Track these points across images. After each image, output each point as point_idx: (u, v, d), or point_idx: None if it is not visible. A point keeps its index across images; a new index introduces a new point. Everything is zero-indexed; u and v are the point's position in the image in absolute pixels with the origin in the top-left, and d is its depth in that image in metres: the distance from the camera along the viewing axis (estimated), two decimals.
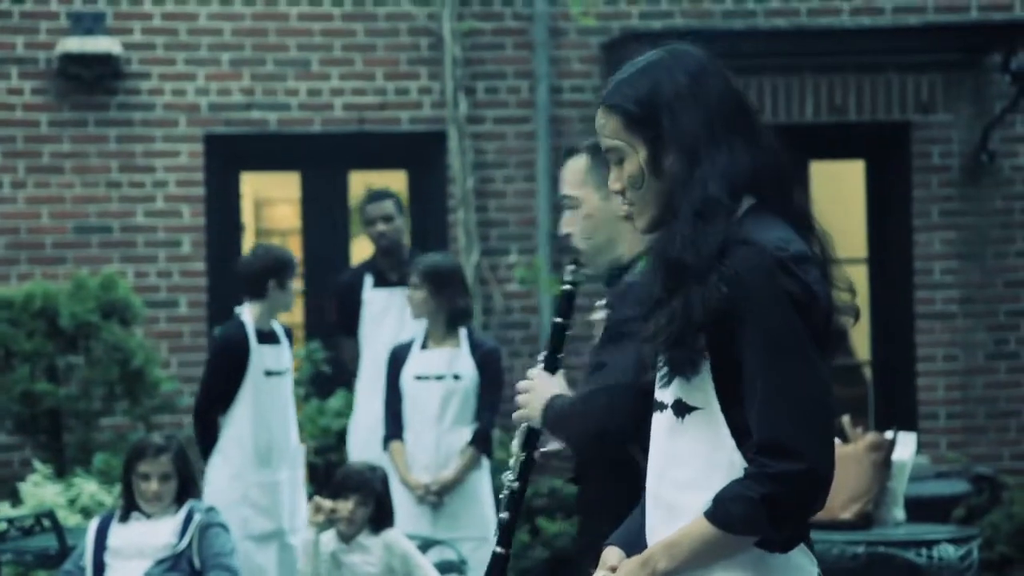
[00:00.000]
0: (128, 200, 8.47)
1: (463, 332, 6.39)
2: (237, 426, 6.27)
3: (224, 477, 6.24)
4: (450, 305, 6.30)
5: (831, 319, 2.50)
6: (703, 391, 2.48)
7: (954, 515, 8.03)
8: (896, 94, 8.81)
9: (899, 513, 6.05)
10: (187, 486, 5.44)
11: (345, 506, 5.29)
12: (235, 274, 6.62)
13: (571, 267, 3.29)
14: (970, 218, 8.84)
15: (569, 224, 3.38)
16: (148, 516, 5.38)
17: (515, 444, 3.28)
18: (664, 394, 2.55)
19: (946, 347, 8.81)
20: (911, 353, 8.83)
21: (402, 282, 7.07)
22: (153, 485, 5.35)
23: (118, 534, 5.37)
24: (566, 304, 3.33)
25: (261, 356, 6.33)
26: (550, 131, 8.67)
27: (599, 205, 3.29)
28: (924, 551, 5.87)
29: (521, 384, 3.28)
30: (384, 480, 5.44)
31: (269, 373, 6.34)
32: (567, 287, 3.30)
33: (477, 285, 8.45)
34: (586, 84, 8.74)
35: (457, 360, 6.33)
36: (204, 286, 8.51)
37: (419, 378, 6.33)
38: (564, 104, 8.74)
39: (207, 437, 6.29)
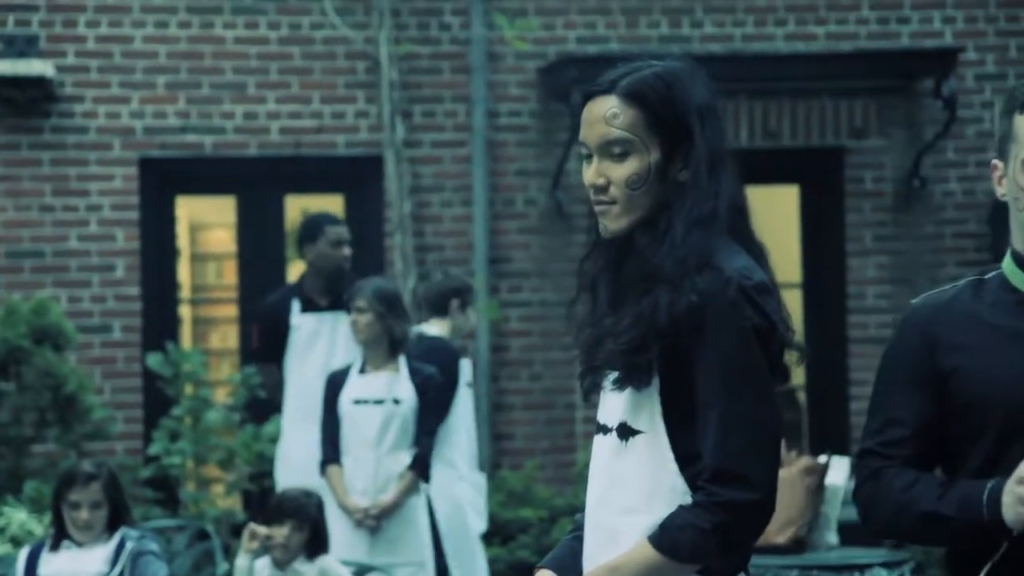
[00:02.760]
0: (61, 224, 8.40)
1: (402, 357, 6.39)
2: (456, 434, 6.70)
3: (451, 479, 6.66)
4: (394, 329, 6.31)
5: (784, 350, 2.52)
6: (648, 414, 2.47)
7: (886, 540, 8.08)
8: (830, 119, 8.89)
9: (832, 537, 6.08)
10: (119, 513, 5.39)
11: (280, 531, 5.26)
12: (421, 295, 7.20)
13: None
14: (903, 243, 8.93)
15: None
16: (79, 545, 5.33)
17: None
18: (608, 417, 2.53)
19: None
20: (844, 377, 8.90)
21: (333, 307, 7.04)
22: (83, 514, 5.30)
23: (49, 563, 5.31)
24: None
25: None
26: (487, 155, 8.68)
27: None
28: (857, 575, 5.91)
29: None
30: (319, 506, 5.42)
31: (468, 384, 6.88)
32: None
33: (414, 310, 8.43)
34: (523, 108, 8.77)
35: (397, 384, 6.32)
36: (138, 311, 8.44)
37: (358, 402, 6.31)
38: (501, 128, 8.75)
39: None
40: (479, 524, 6.83)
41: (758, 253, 2.54)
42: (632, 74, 2.54)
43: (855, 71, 8.87)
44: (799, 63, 8.80)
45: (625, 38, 8.82)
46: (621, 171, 2.50)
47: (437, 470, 6.56)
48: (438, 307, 6.83)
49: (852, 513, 7.54)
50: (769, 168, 8.98)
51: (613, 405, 2.52)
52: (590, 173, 2.54)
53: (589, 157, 2.55)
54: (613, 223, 2.53)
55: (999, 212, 8.88)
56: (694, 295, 2.42)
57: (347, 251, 7.19)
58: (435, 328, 6.81)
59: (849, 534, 6.49)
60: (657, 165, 2.50)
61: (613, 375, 2.50)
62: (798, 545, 5.95)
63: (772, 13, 8.92)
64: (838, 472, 6.14)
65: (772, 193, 9.08)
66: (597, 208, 2.54)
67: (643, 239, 2.51)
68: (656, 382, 2.46)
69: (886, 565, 6.01)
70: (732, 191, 2.51)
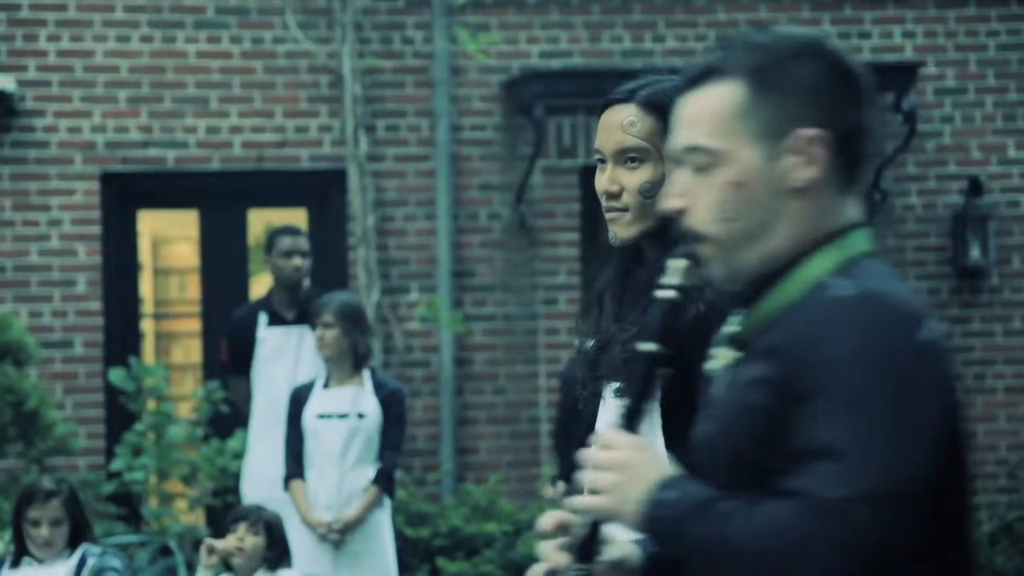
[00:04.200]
0: (22, 239, 8.36)
1: (366, 372, 6.39)
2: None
3: None
4: (359, 344, 6.32)
5: None
6: (648, 425, 2.44)
7: None
8: None
9: None
10: (80, 530, 5.35)
11: (235, 536, 5.23)
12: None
13: (682, 263, 2.00)
14: None
15: (685, 193, 1.96)
16: (40, 561, 5.29)
17: (555, 544, 2.00)
18: (607, 427, 2.54)
19: None
20: None
21: (299, 320, 7.03)
22: (43, 531, 5.26)
23: None
24: (665, 322, 2.01)
25: None
26: (451, 169, 8.68)
27: (760, 167, 1.90)
28: None
29: (599, 456, 1.95)
30: (277, 515, 5.40)
31: None
32: (669, 293, 2.01)
33: (378, 323, 8.43)
34: (487, 122, 8.77)
35: (361, 399, 6.31)
36: (100, 326, 8.40)
37: (322, 416, 6.31)
38: (464, 142, 8.76)
39: None
40: None
41: None
42: (652, 85, 2.57)
43: None
44: None
45: (588, 52, 8.84)
46: (635, 178, 2.53)
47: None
48: None
49: None
50: None
51: (613, 415, 2.53)
52: (603, 179, 2.56)
53: (603, 164, 2.58)
54: (623, 231, 2.55)
55: (960, 225, 8.95)
56: (701, 305, 2.43)
57: (297, 262, 7.13)
58: None
59: None
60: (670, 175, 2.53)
61: (615, 384, 2.50)
62: None
63: (735, 27, 8.96)
64: None
65: None
66: (608, 215, 2.56)
67: (652, 249, 2.53)
68: (658, 393, 2.46)
69: None
70: None
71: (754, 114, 1.87)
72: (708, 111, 1.90)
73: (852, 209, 1.91)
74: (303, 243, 7.21)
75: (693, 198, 1.91)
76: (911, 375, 1.76)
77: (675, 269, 1.98)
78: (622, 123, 2.55)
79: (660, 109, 2.53)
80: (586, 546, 1.98)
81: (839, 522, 1.72)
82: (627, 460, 1.90)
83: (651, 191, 2.52)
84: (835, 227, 1.89)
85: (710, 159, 1.90)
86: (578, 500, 1.94)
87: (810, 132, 1.85)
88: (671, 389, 2.46)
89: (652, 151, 2.53)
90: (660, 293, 1.99)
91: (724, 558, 1.80)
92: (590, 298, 2.62)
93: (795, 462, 1.78)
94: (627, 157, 2.54)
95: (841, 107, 1.86)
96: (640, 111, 2.55)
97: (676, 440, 2.47)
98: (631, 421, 1.99)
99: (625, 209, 2.54)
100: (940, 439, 1.78)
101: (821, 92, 1.86)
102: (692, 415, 2.45)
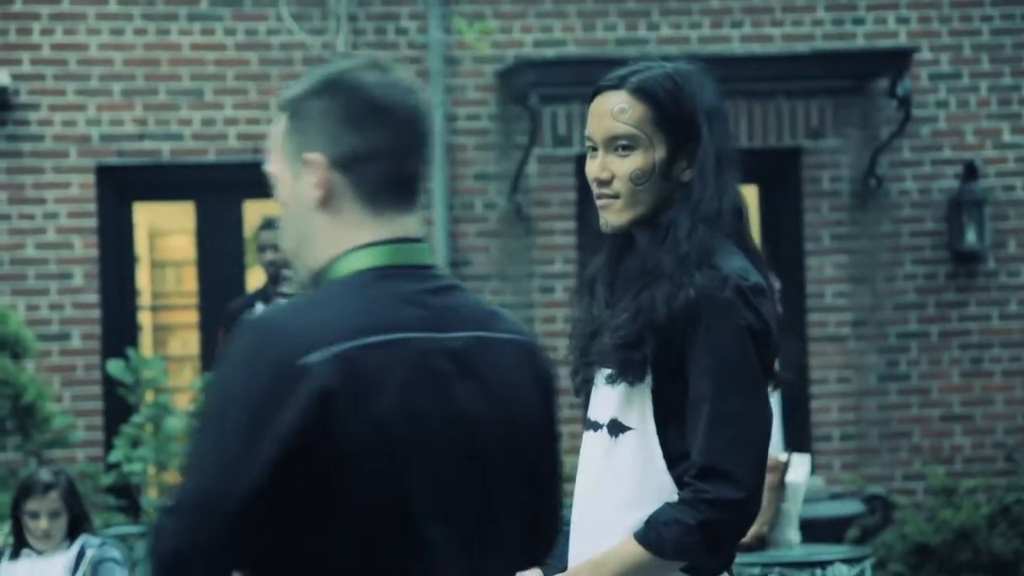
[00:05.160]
0: (18, 232, 8.36)
1: None
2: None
3: None
4: None
5: (777, 353, 2.53)
6: (640, 411, 2.48)
7: (848, 535, 8.14)
8: (786, 120, 8.94)
9: (794, 534, 6.12)
10: (79, 521, 5.37)
11: None
12: None
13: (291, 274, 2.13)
14: (860, 242, 8.99)
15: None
16: (39, 553, 5.31)
17: None
18: (599, 413, 2.54)
19: (839, 369, 8.93)
20: (805, 375, 8.95)
21: None
22: (42, 523, 5.27)
23: (9, 572, 5.29)
24: None
25: None
26: (446, 159, 8.68)
27: (291, 188, 2.11)
28: (819, 571, 5.94)
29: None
30: None
31: None
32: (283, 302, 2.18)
33: None
34: (481, 112, 8.77)
35: None
36: (97, 318, 8.40)
37: None
38: (460, 132, 8.76)
39: None
40: None
41: (755, 256, 2.56)
42: (643, 72, 2.58)
43: (811, 72, 8.92)
44: (755, 64, 8.84)
45: (582, 41, 8.84)
46: (625, 166, 2.54)
47: None
48: None
49: (813, 510, 7.61)
50: None
51: (605, 401, 2.53)
52: (594, 167, 2.57)
53: (594, 151, 2.59)
54: (614, 217, 2.55)
55: (955, 210, 8.96)
56: (692, 290, 2.45)
57: (270, 255, 7.20)
58: None
59: (811, 531, 6.53)
60: (661, 162, 2.53)
61: (606, 371, 2.51)
62: (760, 542, 5.98)
63: (728, 15, 8.96)
64: (799, 469, 6.17)
65: None
66: (599, 202, 2.57)
67: (643, 236, 2.54)
68: (649, 379, 2.47)
69: (847, 561, 6.05)
70: (735, 194, 2.55)
71: (287, 141, 2.13)
72: (271, 140, 2.18)
73: (389, 226, 2.10)
74: (274, 236, 7.23)
75: None
76: (260, 397, 1.90)
77: (288, 279, 2.18)
78: (612, 110, 2.56)
79: (651, 96, 2.55)
80: None
81: (155, 530, 1.97)
82: None
83: (642, 178, 2.53)
84: (359, 243, 2.07)
85: (272, 182, 2.15)
86: None
87: (309, 155, 2.08)
88: (664, 374, 2.46)
89: (643, 138, 2.54)
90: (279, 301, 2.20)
91: None
92: (581, 285, 2.62)
93: None
94: (618, 144, 2.55)
95: (344, 134, 2.09)
96: (631, 98, 2.56)
97: (670, 424, 2.48)
98: None
99: (616, 196, 2.55)
100: (282, 457, 1.89)
101: (326, 121, 2.10)
102: (683, 400, 2.46)
